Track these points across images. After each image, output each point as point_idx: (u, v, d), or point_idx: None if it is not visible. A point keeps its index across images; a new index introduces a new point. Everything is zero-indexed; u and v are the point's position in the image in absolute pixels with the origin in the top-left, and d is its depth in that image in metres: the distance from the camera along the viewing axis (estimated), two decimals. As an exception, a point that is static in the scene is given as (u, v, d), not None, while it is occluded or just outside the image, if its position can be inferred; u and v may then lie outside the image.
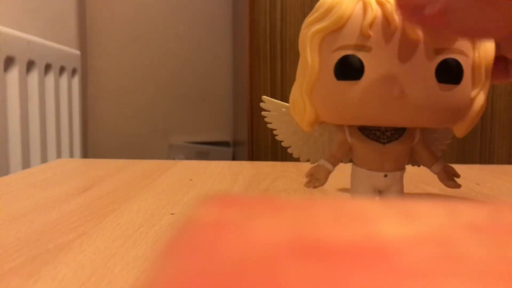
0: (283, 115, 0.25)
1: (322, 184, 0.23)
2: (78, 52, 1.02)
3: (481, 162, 0.85)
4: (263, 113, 0.26)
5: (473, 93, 0.21)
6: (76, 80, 0.98)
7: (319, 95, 0.21)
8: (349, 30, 0.20)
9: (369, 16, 0.19)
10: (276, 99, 0.26)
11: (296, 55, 0.23)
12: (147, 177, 0.40)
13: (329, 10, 0.20)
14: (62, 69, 0.90)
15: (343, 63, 0.20)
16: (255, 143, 0.83)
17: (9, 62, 0.70)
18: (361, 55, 0.20)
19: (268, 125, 0.26)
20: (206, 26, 1.34)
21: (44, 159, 0.81)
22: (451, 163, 0.23)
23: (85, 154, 1.19)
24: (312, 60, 0.21)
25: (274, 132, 0.26)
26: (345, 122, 0.22)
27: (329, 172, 0.23)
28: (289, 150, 0.26)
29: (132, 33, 1.32)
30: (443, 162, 0.23)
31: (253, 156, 0.84)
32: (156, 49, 1.34)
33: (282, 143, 0.26)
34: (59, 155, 0.88)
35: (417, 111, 0.20)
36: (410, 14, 0.18)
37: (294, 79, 0.23)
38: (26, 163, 0.74)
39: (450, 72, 0.20)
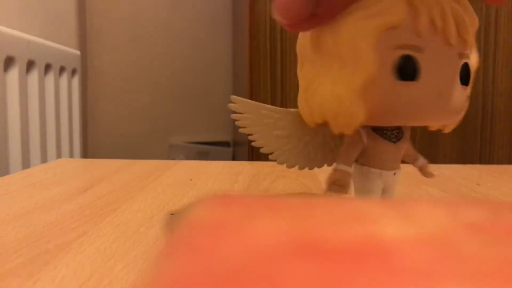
0: (263, 117, 0.23)
1: (348, 191, 0.22)
2: (78, 52, 1.02)
3: (481, 162, 0.85)
4: (233, 116, 0.23)
5: (469, 93, 0.22)
6: (76, 80, 0.98)
7: (376, 95, 0.20)
8: (406, 29, 0.20)
9: (424, 17, 0.20)
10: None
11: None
12: (147, 177, 0.40)
13: (385, 7, 0.20)
14: (62, 69, 0.90)
15: (403, 62, 0.20)
16: (255, 143, 0.83)
17: (9, 62, 0.70)
18: (416, 55, 0.20)
19: (241, 130, 0.23)
20: (206, 26, 1.34)
21: (44, 159, 0.81)
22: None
23: (85, 154, 1.19)
24: (369, 58, 0.20)
25: (251, 137, 0.23)
26: (396, 123, 0.22)
27: (350, 176, 0.23)
28: (271, 157, 0.24)
29: (132, 33, 1.32)
30: (422, 157, 0.24)
31: (253, 156, 0.84)
32: (156, 49, 1.34)
33: (262, 150, 0.23)
34: (59, 155, 0.88)
35: (451, 112, 0.21)
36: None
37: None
38: (26, 163, 0.74)
39: (467, 75, 0.21)
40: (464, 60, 0.21)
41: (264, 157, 0.25)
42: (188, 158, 1.32)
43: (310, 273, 0.06)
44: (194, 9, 1.33)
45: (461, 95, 0.21)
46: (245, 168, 0.46)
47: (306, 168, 0.24)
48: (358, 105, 0.20)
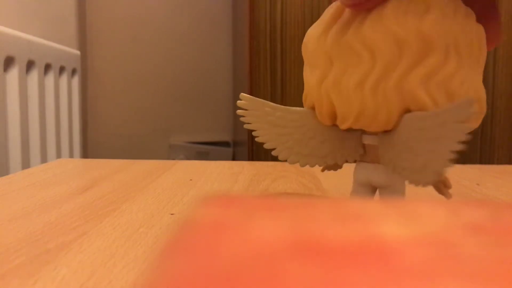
0: (267, 114, 0.24)
1: None
2: (78, 52, 1.02)
3: (481, 162, 0.85)
4: (239, 112, 0.24)
5: None
6: (76, 80, 0.98)
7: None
8: None
9: None
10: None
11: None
12: (147, 177, 0.40)
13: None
14: (62, 69, 0.90)
15: None
16: (255, 143, 0.83)
17: (9, 62, 0.70)
18: None
19: (246, 126, 0.25)
20: (206, 26, 1.34)
21: (44, 159, 0.81)
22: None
23: (85, 154, 1.19)
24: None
25: (255, 133, 0.25)
26: None
27: None
28: (274, 152, 0.25)
29: (132, 33, 1.32)
30: None
31: (253, 156, 0.84)
32: (156, 49, 1.34)
33: (265, 145, 0.25)
34: (59, 155, 0.88)
35: None
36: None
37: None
38: (26, 163, 0.74)
39: None
40: None
41: (264, 157, 0.25)
42: (188, 158, 1.32)
43: (310, 273, 0.06)
44: (194, 9, 1.33)
45: None
46: (245, 168, 0.46)
47: (307, 165, 0.24)
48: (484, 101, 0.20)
